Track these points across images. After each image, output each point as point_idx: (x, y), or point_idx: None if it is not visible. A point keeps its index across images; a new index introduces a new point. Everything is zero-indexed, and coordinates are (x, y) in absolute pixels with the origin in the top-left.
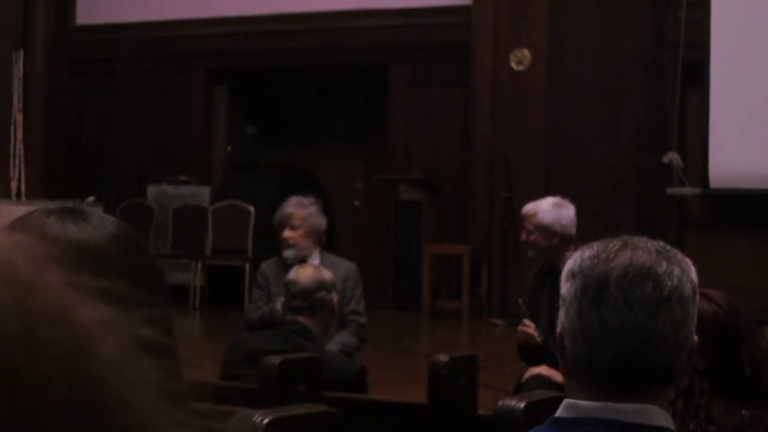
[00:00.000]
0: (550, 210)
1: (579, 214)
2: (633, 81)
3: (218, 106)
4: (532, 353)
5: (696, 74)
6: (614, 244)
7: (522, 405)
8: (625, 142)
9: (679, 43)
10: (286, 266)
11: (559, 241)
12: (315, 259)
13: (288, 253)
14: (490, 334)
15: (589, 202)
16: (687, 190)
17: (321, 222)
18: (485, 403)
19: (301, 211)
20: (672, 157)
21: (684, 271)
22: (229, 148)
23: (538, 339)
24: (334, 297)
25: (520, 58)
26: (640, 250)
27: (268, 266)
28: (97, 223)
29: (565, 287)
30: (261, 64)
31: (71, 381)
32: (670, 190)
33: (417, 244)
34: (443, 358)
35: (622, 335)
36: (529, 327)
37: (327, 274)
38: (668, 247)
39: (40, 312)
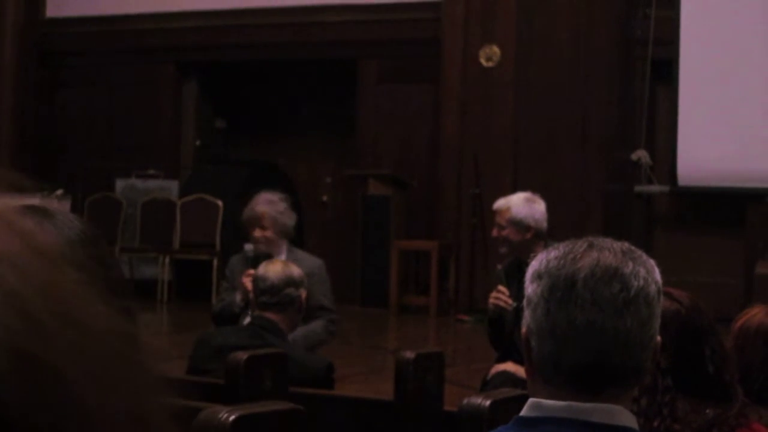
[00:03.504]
0: (523, 204)
1: (547, 211)
2: (602, 78)
3: (187, 100)
4: (501, 331)
5: (665, 72)
6: (580, 245)
7: (487, 403)
8: (594, 139)
9: (648, 41)
10: (249, 260)
11: (531, 236)
12: (282, 255)
13: (248, 246)
14: (457, 330)
15: (557, 199)
16: (655, 188)
17: (291, 220)
18: (452, 400)
19: (272, 210)
20: (640, 154)
21: (649, 271)
22: (198, 142)
23: (510, 307)
24: (303, 293)
25: (489, 55)
26: (606, 251)
27: (235, 259)
28: (64, 224)
29: (531, 288)
30: (230, 59)
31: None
32: (638, 188)
33: (385, 239)
34: (410, 354)
35: (589, 335)
36: (502, 293)
37: (296, 270)
38: (633, 248)
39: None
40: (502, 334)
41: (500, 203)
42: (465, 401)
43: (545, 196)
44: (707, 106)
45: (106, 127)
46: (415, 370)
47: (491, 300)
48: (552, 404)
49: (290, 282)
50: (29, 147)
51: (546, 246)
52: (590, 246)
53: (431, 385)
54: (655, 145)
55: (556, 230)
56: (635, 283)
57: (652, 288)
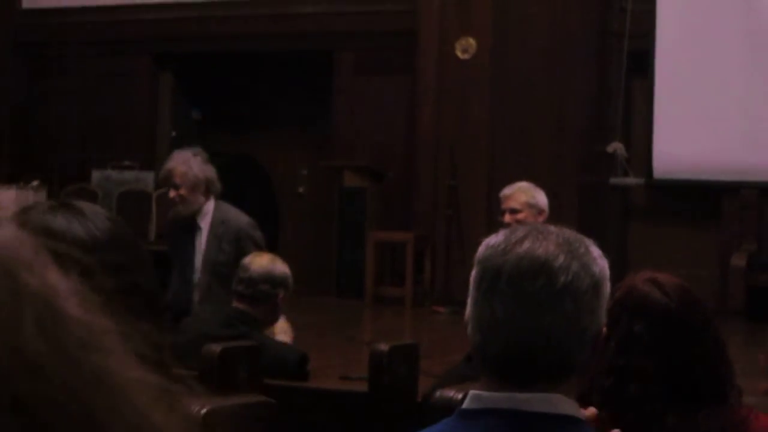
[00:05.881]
0: (535, 190)
1: None
2: (578, 70)
3: (163, 91)
4: None
5: (641, 64)
6: (518, 233)
7: (459, 396)
8: (570, 131)
9: (624, 33)
10: (177, 225)
11: (543, 220)
12: (207, 213)
13: (171, 214)
14: (432, 321)
15: None
16: (631, 180)
17: (205, 173)
18: (426, 392)
19: (181, 166)
20: (616, 146)
21: (584, 265)
22: (173, 133)
23: None
24: (280, 293)
25: (465, 47)
26: (540, 242)
27: (176, 228)
28: (94, 224)
29: (472, 274)
30: (206, 50)
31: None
32: (613, 180)
33: (361, 230)
34: (384, 346)
35: (510, 329)
36: None
37: (279, 269)
38: (574, 238)
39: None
40: None
41: (512, 188)
42: (438, 393)
43: None
44: (683, 99)
45: (82, 118)
46: (390, 363)
47: None
48: (490, 396)
49: (268, 279)
50: (5, 138)
51: None
52: (526, 235)
53: (406, 377)
54: (630, 137)
55: None
56: (562, 278)
57: (585, 282)
